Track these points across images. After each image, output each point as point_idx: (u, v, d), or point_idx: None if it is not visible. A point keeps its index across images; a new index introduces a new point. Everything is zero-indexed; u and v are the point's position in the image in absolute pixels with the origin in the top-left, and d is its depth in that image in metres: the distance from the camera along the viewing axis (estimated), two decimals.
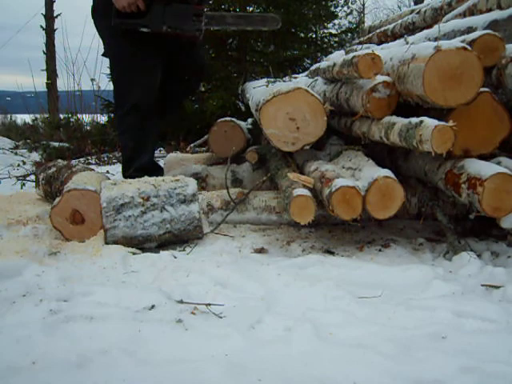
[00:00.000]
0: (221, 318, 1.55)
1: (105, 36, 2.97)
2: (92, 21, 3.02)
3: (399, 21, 4.30)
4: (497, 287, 1.72)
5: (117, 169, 4.76)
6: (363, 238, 2.42)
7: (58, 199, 2.31)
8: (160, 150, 5.69)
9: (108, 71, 6.22)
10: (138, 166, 2.90)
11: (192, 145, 5.40)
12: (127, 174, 2.94)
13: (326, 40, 6.90)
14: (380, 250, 2.21)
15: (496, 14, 2.45)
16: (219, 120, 3.51)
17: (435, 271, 1.87)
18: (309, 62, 6.50)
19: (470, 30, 2.49)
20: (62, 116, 8.74)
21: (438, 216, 2.26)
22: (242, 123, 3.53)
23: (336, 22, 8.79)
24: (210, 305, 1.60)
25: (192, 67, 3.17)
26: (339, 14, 8.91)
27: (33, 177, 3.90)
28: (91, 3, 2.95)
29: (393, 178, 2.07)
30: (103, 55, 3.10)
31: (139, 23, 2.77)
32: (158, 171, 2.96)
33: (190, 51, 3.07)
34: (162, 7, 2.72)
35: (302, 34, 6.63)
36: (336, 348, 1.35)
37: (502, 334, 1.41)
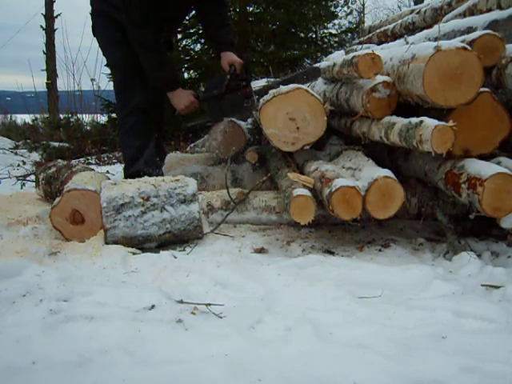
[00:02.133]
0: (221, 317, 1.55)
1: (106, 46, 3.10)
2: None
3: (399, 21, 4.30)
4: (497, 287, 1.72)
5: (117, 169, 4.76)
6: (363, 238, 2.42)
7: (57, 199, 2.31)
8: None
9: (108, 71, 6.24)
10: (144, 161, 2.98)
11: (192, 145, 5.39)
12: (131, 170, 2.95)
13: (326, 40, 6.92)
14: (380, 250, 2.21)
15: (496, 14, 2.45)
16: None
17: (435, 271, 1.87)
18: (309, 62, 6.51)
19: (470, 30, 2.49)
20: (62, 116, 8.76)
21: (438, 216, 2.26)
22: (242, 123, 3.52)
23: (336, 21, 8.83)
24: (210, 305, 1.60)
25: None
26: (339, 14, 8.95)
27: (33, 177, 3.90)
28: (90, 23, 3.10)
29: (393, 178, 2.07)
30: (107, 65, 3.23)
31: (204, 121, 3.37)
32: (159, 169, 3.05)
33: None
34: (216, 102, 2.98)
35: (302, 34, 6.65)
36: (336, 348, 1.35)
37: (502, 334, 1.41)
